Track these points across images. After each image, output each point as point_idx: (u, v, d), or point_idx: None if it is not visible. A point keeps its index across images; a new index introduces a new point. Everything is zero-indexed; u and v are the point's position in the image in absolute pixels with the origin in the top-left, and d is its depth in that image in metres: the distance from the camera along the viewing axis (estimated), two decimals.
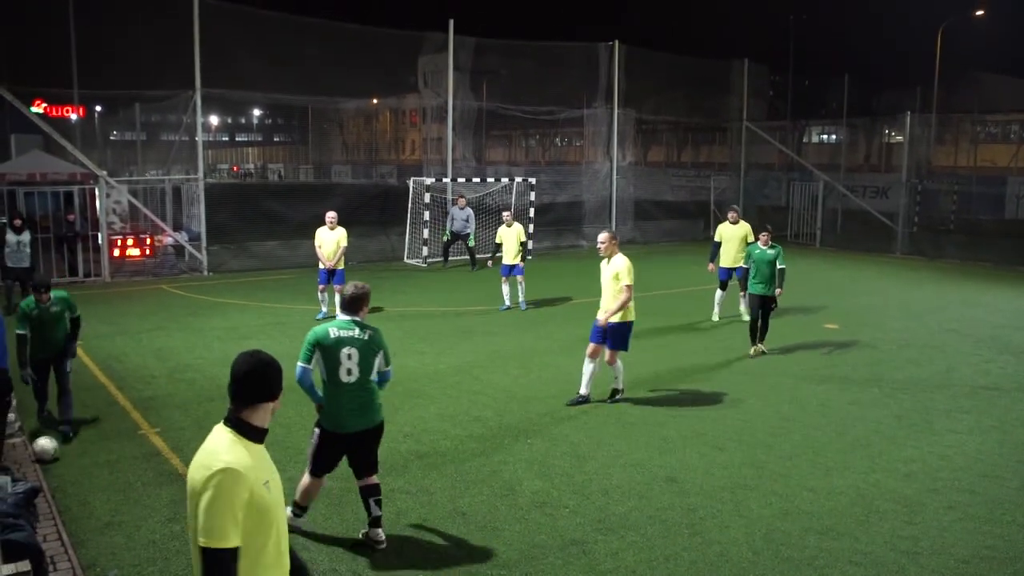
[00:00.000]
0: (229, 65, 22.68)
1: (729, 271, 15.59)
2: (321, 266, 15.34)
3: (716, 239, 15.85)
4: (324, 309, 15.61)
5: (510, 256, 16.66)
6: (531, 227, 26.22)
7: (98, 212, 21.16)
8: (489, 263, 17.94)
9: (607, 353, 10.36)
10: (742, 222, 15.69)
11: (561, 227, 30.25)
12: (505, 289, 16.91)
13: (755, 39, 56.66)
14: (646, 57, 30.90)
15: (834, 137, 58.34)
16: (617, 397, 10.59)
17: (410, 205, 25.00)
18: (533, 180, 26.86)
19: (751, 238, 15.10)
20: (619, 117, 29.85)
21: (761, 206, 35.59)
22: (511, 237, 16.67)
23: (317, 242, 15.36)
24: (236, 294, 18.60)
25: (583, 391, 10.51)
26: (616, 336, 10.26)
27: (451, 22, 25.39)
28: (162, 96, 26.56)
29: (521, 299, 16.95)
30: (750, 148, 34.69)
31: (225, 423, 3.46)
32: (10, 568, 5.22)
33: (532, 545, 6.68)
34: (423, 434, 9.36)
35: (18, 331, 9.23)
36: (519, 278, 16.78)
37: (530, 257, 16.72)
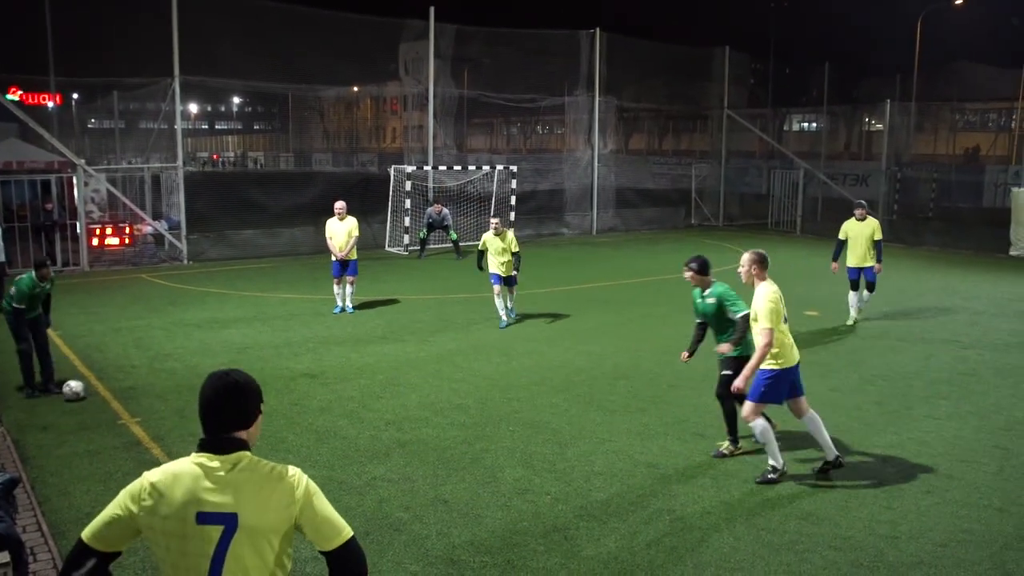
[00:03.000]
0: (208, 52, 22.52)
1: (858, 271, 14.54)
2: (333, 258, 15.12)
3: (841, 236, 14.78)
4: (340, 304, 15.43)
5: (505, 266, 14.32)
6: (512, 215, 26.22)
7: (76, 201, 20.99)
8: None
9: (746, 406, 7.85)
10: (870, 218, 14.45)
11: (542, 215, 30.25)
12: (499, 303, 14.47)
13: (736, 27, 56.89)
14: (627, 45, 30.91)
15: (814, 125, 58.49)
16: (768, 476, 7.78)
17: (391, 193, 24.94)
18: (514, 168, 26.85)
19: (879, 235, 14.32)
20: (600, 105, 29.86)
21: (742, 194, 35.75)
22: (502, 247, 14.34)
23: (328, 233, 15.13)
24: (216, 283, 18.51)
25: (773, 462, 7.85)
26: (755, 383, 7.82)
27: (432, 9, 25.28)
28: (140, 83, 26.36)
29: (510, 306, 14.78)
30: (731, 136, 34.81)
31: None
32: None
33: (514, 532, 6.70)
34: (405, 422, 9.36)
35: (16, 305, 10.14)
36: (513, 289, 14.78)
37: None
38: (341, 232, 15.00)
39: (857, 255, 14.51)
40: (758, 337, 7.64)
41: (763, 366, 7.67)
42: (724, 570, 6.15)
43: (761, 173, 37.78)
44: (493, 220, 14.78)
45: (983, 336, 13.91)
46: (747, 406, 7.75)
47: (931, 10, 49.76)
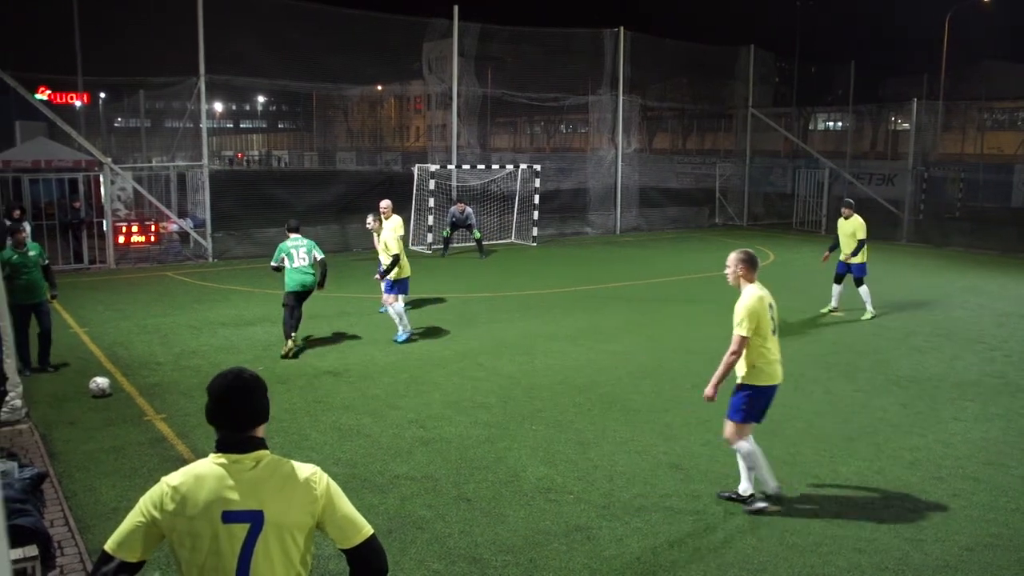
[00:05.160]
0: (233, 51, 22.67)
1: (845, 266, 15.20)
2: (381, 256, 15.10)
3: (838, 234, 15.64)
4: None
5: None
6: (535, 214, 26.20)
7: (103, 199, 21.18)
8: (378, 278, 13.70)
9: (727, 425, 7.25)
10: (854, 217, 15.08)
11: (566, 214, 30.24)
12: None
13: (761, 25, 56.55)
14: (652, 44, 30.83)
15: (840, 124, 58.09)
16: (752, 506, 7.10)
17: (414, 192, 25.00)
18: (538, 167, 26.83)
19: (860, 234, 14.89)
20: (624, 104, 29.78)
21: (767, 193, 35.54)
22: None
23: (373, 232, 14.96)
24: (240, 281, 18.62)
25: (764, 488, 7.24)
26: (732, 401, 7.20)
27: (455, 8, 25.32)
28: (166, 83, 26.57)
29: (400, 330, 13.12)
30: (755, 135, 34.62)
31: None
32: (18, 553, 5.25)
33: (537, 531, 6.69)
34: (428, 420, 9.37)
35: None
36: (389, 298, 13.14)
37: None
38: (386, 231, 14.86)
39: (843, 251, 15.22)
40: (732, 344, 7.01)
41: (743, 382, 7.09)
42: (747, 571, 6.12)
43: (786, 172, 37.57)
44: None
45: (1010, 337, 13.75)
46: (728, 427, 7.15)
47: (959, 8, 49.26)
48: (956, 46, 49.02)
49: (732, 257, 7.20)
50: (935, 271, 21.19)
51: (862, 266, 15.05)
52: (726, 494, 7.29)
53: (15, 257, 10.86)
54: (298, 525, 3.01)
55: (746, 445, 7.09)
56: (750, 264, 7.13)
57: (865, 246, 15.04)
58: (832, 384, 10.98)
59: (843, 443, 8.73)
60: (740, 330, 6.91)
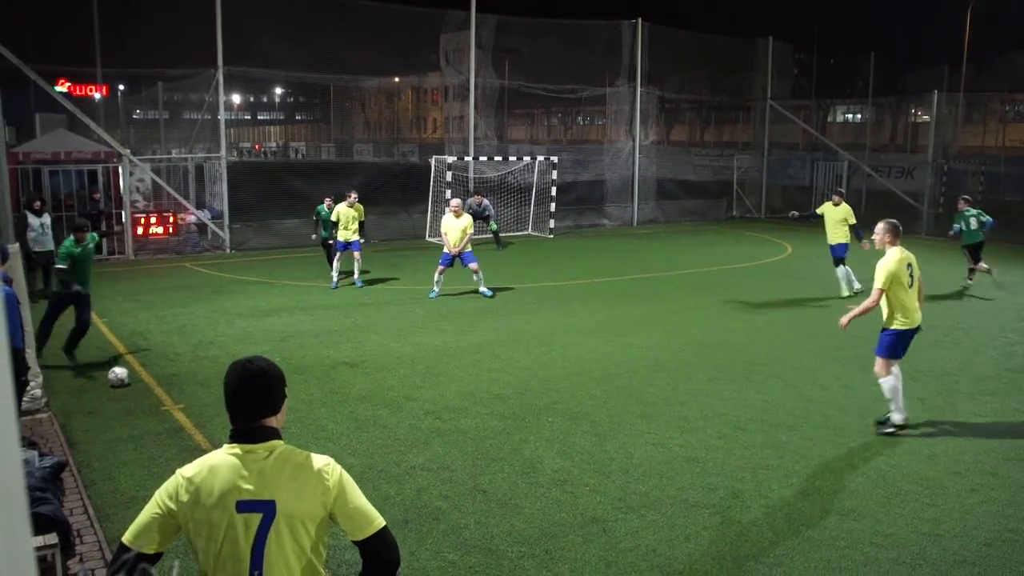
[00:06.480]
0: (251, 43, 22.73)
1: (839, 247, 16.43)
2: (446, 250, 15.84)
3: (819, 212, 16.97)
4: (436, 290, 16.00)
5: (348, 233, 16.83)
6: (553, 206, 26.17)
7: (121, 190, 21.30)
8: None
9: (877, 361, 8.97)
10: (844, 204, 16.51)
11: (583, 206, 30.19)
12: (336, 265, 17.10)
13: (780, 16, 56.03)
14: (669, 35, 30.71)
15: (859, 116, 57.72)
16: (884, 428, 8.82)
17: (432, 184, 25.01)
18: (555, 159, 26.79)
19: (851, 219, 16.30)
20: (642, 96, 29.69)
21: (785, 186, 35.36)
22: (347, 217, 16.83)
23: (443, 229, 15.99)
24: (258, 272, 18.70)
25: (898, 417, 8.86)
26: (880, 340, 8.95)
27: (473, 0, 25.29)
28: (184, 75, 26.67)
29: (356, 276, 17.25)
30: (774, 127, 34.43)
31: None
32: (38, 540, 5.30)
33: (552, 523, 6.70)
34: (444, 411, 9.39)
35: (59, 265, 11.16)
36: (356, 254, 16.99)
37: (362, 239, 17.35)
38: (455, 229, 15.74)
39: (831, 234, 16.46)
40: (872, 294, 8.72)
41: (886, 327, 8.78)
42: (763, 565, 6.10)
43: (804, 165, 37.37)
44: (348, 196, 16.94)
45: None
46: (877, 362, 8.81)
47: None
48: (978, 37, 48.52)
49: (880, 226, 8.93)
50: (954, 264, 21.00)
51: (846, 246, 16.26)
52: (880, 431, 8.73)
53: (78, 251, 11.10)
54: (310, 515, 3.03)
55: (891, 380, 8.72)
56: (894, 232, 8.87)
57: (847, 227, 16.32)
58: (849, 378, 10.92)
59: (860, 437, 8.69)
60: (877, 284, 8.62)
